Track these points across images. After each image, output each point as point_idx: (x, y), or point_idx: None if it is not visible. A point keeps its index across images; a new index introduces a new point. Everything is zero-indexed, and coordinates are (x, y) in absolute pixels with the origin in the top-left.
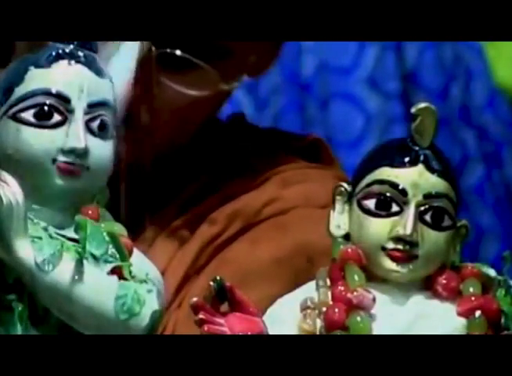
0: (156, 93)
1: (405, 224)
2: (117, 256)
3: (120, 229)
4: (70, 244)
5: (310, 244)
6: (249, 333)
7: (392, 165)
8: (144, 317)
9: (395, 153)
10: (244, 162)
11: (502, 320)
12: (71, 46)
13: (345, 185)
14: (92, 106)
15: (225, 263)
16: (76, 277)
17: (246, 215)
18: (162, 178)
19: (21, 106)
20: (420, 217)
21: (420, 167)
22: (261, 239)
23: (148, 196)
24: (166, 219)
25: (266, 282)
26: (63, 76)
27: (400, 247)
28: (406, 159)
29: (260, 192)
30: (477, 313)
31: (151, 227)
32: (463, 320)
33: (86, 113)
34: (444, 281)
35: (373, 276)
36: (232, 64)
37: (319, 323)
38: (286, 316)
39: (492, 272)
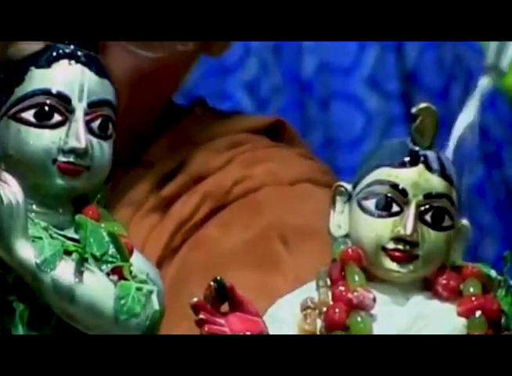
0: (110, 53)
1: (406, 224)
2: (118, 256)
3: (120, 229)
4: (71, 243)
5: (283, 224)
6: (249, 333)
7: (392, 165)
8: (144, 317)
9: (395, 153)
10: (207, 143)
11: (503, 320)
12: (71, 46)
13: (345, 185)
14: (93, 106)
15: (197, 247)
16: (76, 277)
17: (216, 196)
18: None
19: (21, 106)
20: (420, 217)
21: (420, 167)
22: (233, 221)
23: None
24: (137, 201)
25: (239, 265)
26: (63, 76)
27: (400, 247)
28: (406, 159)
29: (227, 172)
30: (478, 313)
31: (123, 209)
32: (463, 320)
33: (86, 114)
34: (444, 281)
35: (374, 276)
36: None
37: (319, 323)
38: (287, 316)
39: (492, 273)
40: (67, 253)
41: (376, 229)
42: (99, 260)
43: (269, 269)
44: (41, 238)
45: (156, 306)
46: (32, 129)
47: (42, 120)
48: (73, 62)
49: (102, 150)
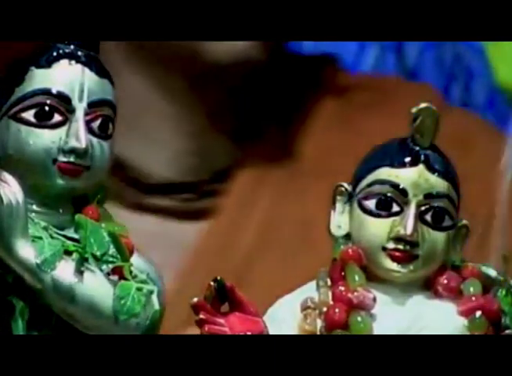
0: None
1: (406, 224)
2: (118, 256)
3: (120, 229)
4: (71, 243)
5: None
6: (249, 333)
7: (392, 165)
8: (144, 317)
9: (396, 153)
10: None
11: (503, 320)
12: (71, 46)
13: (346, 185)
14: (93, 106)
15: None
16: (76, 277)
17: None
18: None
19: (21, 106)
20: (420, 217)
21: (421, 167)
22: None
23: None
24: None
25: None
26: (63, 76)
27: (400, 247)
28: (407, 159)
29: None
30: (478, 313)
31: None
32: (463, 320)
33: (87, 114)
34: (444, 281)
35: (374, 276)
36: None
37: (319, 323)
38: (287, 316)
39: (492, 273)
40: (67, 253)
41: (377, 228)
42: (99, 260)
43: None
44: (41, 238)
45: (157, 306)
46: (32, 129)
47: (42, 120)
48: (73, 62)
49: (102, 149)
